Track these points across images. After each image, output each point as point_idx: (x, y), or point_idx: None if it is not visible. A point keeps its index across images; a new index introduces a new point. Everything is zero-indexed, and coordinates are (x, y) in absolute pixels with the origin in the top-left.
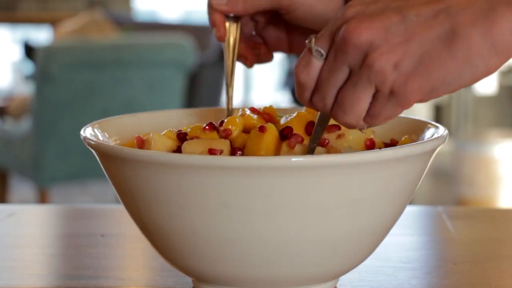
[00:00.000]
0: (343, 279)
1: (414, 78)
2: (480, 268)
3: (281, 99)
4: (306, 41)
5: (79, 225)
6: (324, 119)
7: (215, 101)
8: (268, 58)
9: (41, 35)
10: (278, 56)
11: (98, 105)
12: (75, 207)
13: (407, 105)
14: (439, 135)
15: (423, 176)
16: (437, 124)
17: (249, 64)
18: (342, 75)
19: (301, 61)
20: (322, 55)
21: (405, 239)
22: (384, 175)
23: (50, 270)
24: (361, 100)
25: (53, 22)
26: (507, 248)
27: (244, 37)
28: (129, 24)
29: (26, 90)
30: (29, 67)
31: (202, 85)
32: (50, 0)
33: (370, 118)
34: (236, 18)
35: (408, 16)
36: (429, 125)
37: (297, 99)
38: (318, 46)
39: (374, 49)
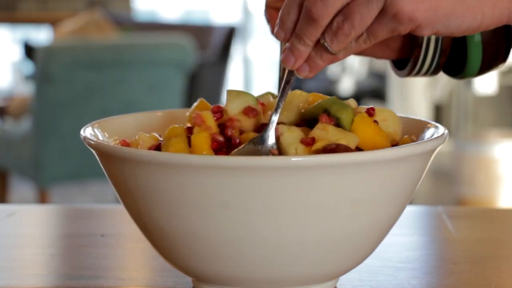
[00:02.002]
0: (343, 279)
1: (423, 5)
2: (480, 268)
3: None
4: None
5: (79, 225)
6: (287, 83)
7: (215, 101)
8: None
9: (41, 35)
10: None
11: (98, 105)
12: (75, 207)
13: (403, 31)
14: (439, 135)
15: (423, 176)
16: (437, 124)
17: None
18: None
19: None
20: None
21: (405, 239)
22: (384, 175)
23: (50, 270)
24: (371, 17)
25: (53, 22)
26: (507, 248)
27: None
28: (129, 24)
29: (26, 90)
30: (29, 67)
31: (202, 85)
32: (50, 0)
33: (367, 37)
34: None
35: None
36: (429, 125)
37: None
38: None
39: None
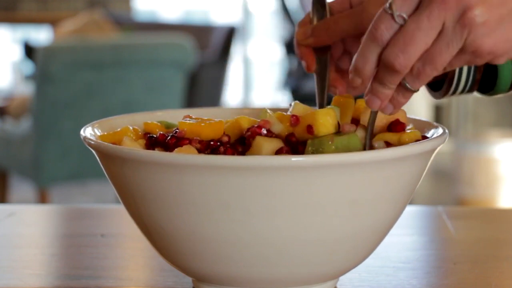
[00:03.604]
0: (343, 279)
1: (501, 37)
2: (480, 268)
3: (281, 99)
4: (386, 8)
5: (79, 225)
6: (373, 122)
7: (215, 101)
8: (361, 89)
9: (41, 35)
10: (278, 56)
11: (98, 105)
12: (75, 207)
13: (480, 62)
14: (439, 135)
15: (423, 176)
16: (437, 124)
17: (338, 93)
18: (433, 33)
19: (380, 23)
20: (404, 19)
21: (405, 239)
22: (384, 175)
23: (50, 270)
24: (451, 57)
25: (53, 22)
26: (507, 248)
27: (335, 66)
28: (129, 24)
29: (26, 90)
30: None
31: (202, 85)
32: (50, 0)
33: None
34: (324, 50)
35: None
36: (429, 125)
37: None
38: (400, 11)
39: (472, 7)
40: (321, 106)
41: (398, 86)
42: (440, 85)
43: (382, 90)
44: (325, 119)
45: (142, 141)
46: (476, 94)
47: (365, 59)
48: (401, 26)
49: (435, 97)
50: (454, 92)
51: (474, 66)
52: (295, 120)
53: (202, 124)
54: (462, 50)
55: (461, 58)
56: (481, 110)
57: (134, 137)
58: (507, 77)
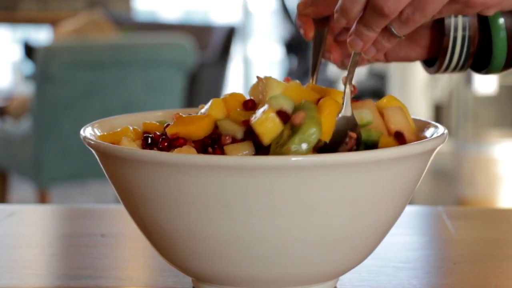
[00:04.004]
0: (343, 279)
1: None
2: (480, 268)
3: None
4: None
5: (79, 225)
6: (354, 65)
7: None
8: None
9: (41, 35)
10: (278, 56)
11: (98, 105)
12: (75, 207)
13: (470, 13)
14: (439, 135)
15: (423, 176)
16: (437, 124)
17: (332, 60)
18: None
19: None
20: None
21: (405, 239)
22: (384, 175)
23: (50, 270)
24: (443, 5)
25: (53, 22)
26: (507, 248)
27: (333, 38)
28: (129, 24)
29: (26, 90)
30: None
31: (202, 85)
32: (50, 0)
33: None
34: (323, 23)
35: None
36: (429, 125)
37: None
38: None
39: None
40: (313, 76)
41: (383, 30)
42: (434, 61)
43: (367, 32)
44: (265, 128)
45: (140, 142)
46: (470, 71)
47: (353, 1)
48: None
49: (429, 72)
50: (447, 67)
51: (468, 40)
52: (251, 104)
53: (189, 126)
54: (454, 0)
55: (452, 7)
56: (481, 110)
57: (133, 137)
58: (502, 54)
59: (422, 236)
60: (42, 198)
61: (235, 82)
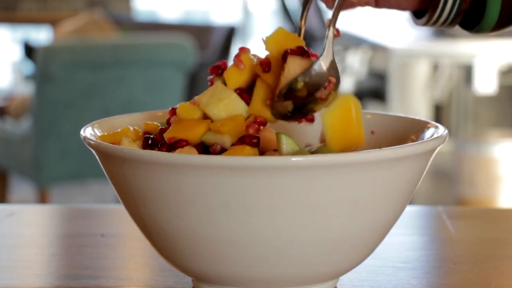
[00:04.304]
0: (343, 279)
1: None
2: (480, 268)
3: None
4: None
5: (79, 225)
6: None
7: None
8: (351, 3)
9: (41, 35)
10: None
11: (98, 105)
12: (75, 207)
13: None
14: (439, 135)
15: (423, 176)
16: (437, 124)
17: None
18: None
19: None
20: None
21: (405, 239)
22: (384, 175)
23: (50, 270)
24: None
25: (53, 22)
26: (507, 248)
27: None
28: (129, 24)
29: (26, 90)
30: (29, 67)
31: (202, 85)
32: (50, 0)
33: None
34: None
35: None
36: (429, 125)
37: None
38: None
39: None
40: (300, 30)
41: None
42: (424, 13)
43: None
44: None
45: (140, 142)
46: (459, 28)
47: None
48: None
49: (417, 23)
50: (437, 20)
51: None
52: (265, 64)
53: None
54: None
55: None
56: (481, 110)
57: (133, 138)
58: (494, 15)
59: (422, 236)
60: (42, 198)
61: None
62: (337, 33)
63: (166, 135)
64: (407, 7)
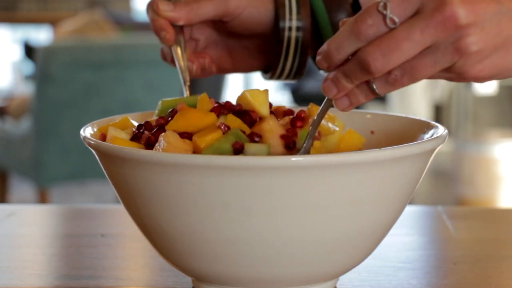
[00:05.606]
0: (343, 279)
1: (489, 63)
2: (480, 268)
3: (281, 99)
4: (379, 7)
5: (79, 225)
6: (325, 111)
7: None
8: (211, 71)
9: (41, 35)
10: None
11: (98, 105)
12: (75, 207)
13: (462, 81)
14: (439, 135)
15: (423, 176)
16: (437, 124)
17: (195, 68)
18: (422, 47)
19: (368, 19)
20: (395, 23)
21: (405, 239)
22: (384, 175)
23: (50, 270)
24: (434, 73)
25: (53, 22)
26: (507, 248)
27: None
28: (129, 24)
29: (26, 90)
30: (29, 67)
31: (202, 85)
32: (50, 0)
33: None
34: (180, 29)
35: (502, 5)
36: (429, 125)
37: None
38: (393, 14)
39: (470, 34)
40: (185, 73)
41: (364, 84)
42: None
43: (344, 82)
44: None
45: (130, 130)
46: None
47: (339, 49)
48: (390, 30)
49: (265, 78)
50: (280, 75)
51: (301, 50)
52: (300, 121)
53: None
54: (447, 70)
55: (443, 76)
56: (481, 110)
57: (121, 127)
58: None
59: (422, 236)
60: (42, 198)
61: (235, 82)
62: (319, 136)
63: (168, 127)
64: (251, 69)
